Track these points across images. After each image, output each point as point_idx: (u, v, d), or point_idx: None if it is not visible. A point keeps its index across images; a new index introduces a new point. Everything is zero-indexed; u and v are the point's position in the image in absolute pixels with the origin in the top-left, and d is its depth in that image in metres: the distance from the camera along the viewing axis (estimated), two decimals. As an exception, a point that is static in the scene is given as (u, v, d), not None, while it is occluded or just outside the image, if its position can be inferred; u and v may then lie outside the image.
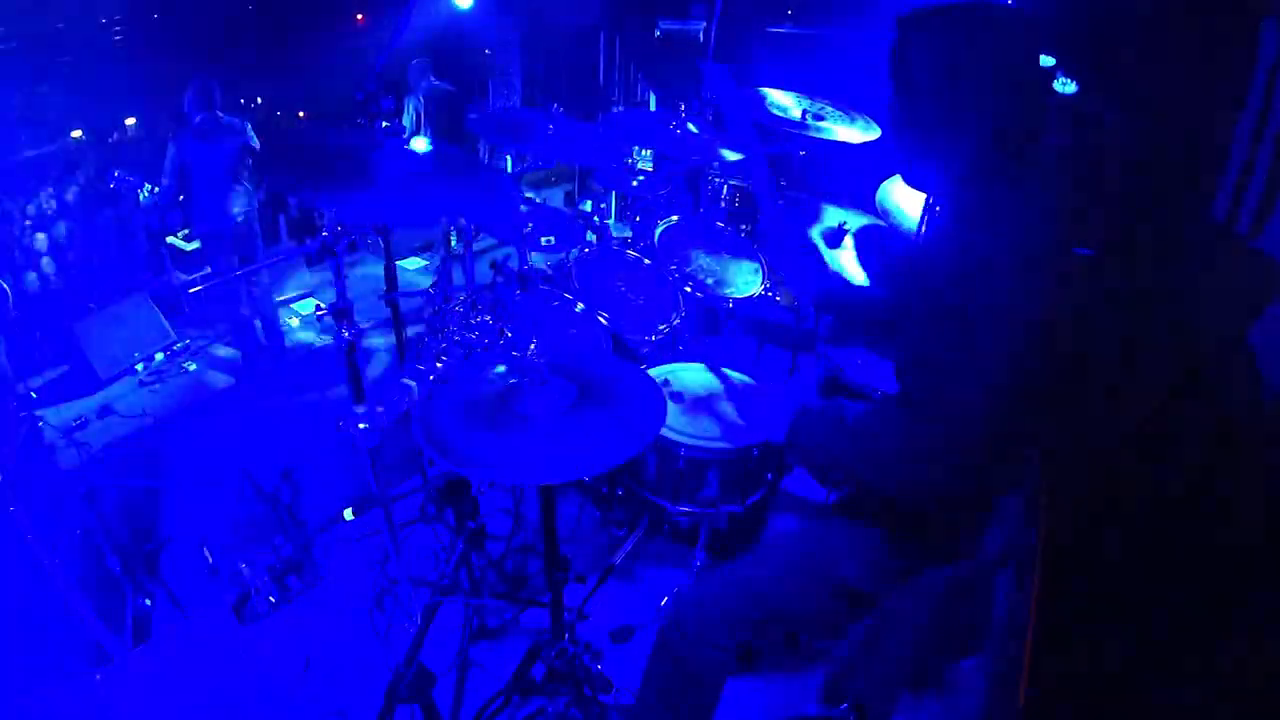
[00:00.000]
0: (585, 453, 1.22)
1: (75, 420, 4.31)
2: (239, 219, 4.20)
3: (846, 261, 2.22)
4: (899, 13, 1.19)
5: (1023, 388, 1.12)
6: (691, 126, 2.57)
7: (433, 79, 5.53)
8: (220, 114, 4.03)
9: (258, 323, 4.72)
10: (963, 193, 1.23)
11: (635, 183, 2.99)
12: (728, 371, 2.25)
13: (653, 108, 5.96)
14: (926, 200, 2.08)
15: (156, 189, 4.04)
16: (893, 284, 2.02)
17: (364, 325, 1.51)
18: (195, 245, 4.66)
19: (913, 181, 1.36)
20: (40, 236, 5.25)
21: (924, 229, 2.09)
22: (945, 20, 1.14)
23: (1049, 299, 1.11)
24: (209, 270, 4.46)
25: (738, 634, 1.42)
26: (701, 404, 2.08)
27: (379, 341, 4.46)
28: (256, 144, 4.24)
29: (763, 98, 2.60)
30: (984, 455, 1.15)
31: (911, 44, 1.18)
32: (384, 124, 1.57)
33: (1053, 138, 1.21)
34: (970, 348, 1.12)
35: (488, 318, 2.11)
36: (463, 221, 2.23)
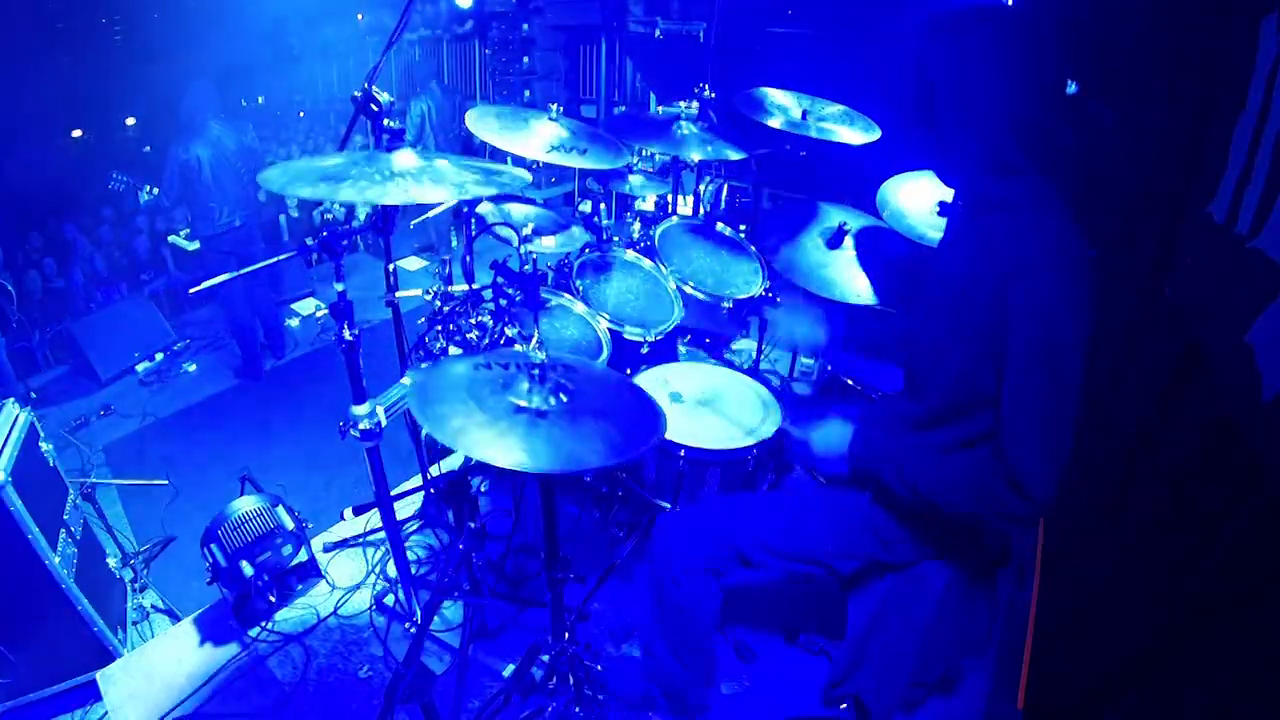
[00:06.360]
0: (582, 448, 1.23)
1: (75, 420, 4.32)
2: (239, 219, 4.20)
3: (846, 262, 2.22)
4: (898, 14, 1.22)
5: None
6: (692, 126, 2.57)
7: (435, 79, 5.52)
8: (220, 115, 4.03)
9: (258, 323, 4.73)
10: (978, 190, 1.28)
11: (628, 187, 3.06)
12: (728, 371, 2.25)
13: (653, 108, 5.96)
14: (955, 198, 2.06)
15: (157, 190, 4.04)
16: (899, 283, 2.03)
17: (364, 325, 1.52)
18: (195, 245, 4.65)
19: (943, 177, 1.42)
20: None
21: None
22: (963, 24, 1.21)
23: (1080, 299, 1.13)
24: (209, 270, 4.46)
25: (710, 563, 1.53)
26: (701, 404, 2.08)
27: (379, 341, 4.47)
28: (257, 145, 4.24)
29: (762, 98, 2.59)
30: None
31: (932, 46, 1.24)
32: (385, 123, 1.56)
33: (1058, 138, 1.24)
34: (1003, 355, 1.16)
35: (488, 318, 2.11)
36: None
